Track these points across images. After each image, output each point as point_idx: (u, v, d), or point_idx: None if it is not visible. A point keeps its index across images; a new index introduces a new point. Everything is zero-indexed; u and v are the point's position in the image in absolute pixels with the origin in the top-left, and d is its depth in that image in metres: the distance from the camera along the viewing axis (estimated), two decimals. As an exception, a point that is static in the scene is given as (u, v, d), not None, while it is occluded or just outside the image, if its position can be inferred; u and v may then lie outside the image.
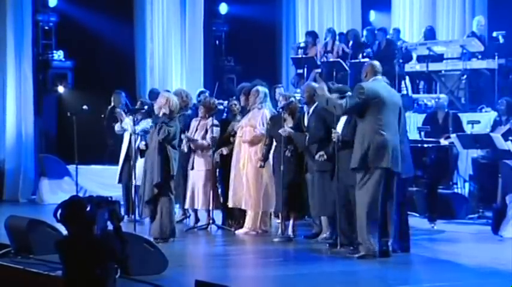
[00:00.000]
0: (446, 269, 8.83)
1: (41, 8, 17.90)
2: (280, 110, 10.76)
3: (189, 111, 12.14)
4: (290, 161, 10.50)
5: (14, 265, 8.81)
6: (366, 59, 15.13)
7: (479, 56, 15.24)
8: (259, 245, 10.47)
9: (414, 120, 14.16)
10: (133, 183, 11.51)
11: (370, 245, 9.05)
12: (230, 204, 11.30)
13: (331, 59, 16.50)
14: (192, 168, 11.53)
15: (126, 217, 11.64)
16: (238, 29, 19.74)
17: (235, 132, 11.40)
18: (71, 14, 18.14)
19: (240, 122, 11.32)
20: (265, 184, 11.05)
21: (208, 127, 11.49)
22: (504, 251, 9.63)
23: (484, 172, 12.54)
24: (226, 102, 12.88)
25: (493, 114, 13.66)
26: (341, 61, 16.14)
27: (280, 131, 10.45)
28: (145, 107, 12.16)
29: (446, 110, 13.49)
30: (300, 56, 17.05)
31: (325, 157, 9.77)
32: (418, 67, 15.95)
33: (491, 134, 12.37)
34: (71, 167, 13.97)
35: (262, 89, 11.29)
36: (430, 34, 16.37)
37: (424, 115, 14.10)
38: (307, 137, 10.17)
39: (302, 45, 17.37)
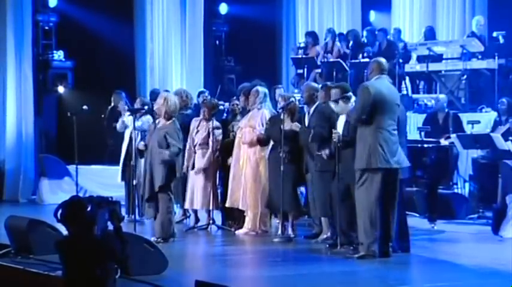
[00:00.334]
0: (446, 269, 8.83)
1: (41, 8, 17.91)
2: (280, 110, 10.77)
3: (189, 111, 12.14)
4: (286, 162, 10.49)
5: (14, 265, 8.81)
6: (366, 59, 15.13)
7: (479, 56, 15.24)
8: (259, 246, 10.47)
9: (414, 121, 14.16)
10: (134, 182, 11.50)
11: (371, 245, 9.05)
12: (228, 204, 11.30)
13: (331, 59, 16.49)
14: (192, 168, 11.53)
15: (126, 216, 11.63)
16: (238, 29, 19.74)
17: (234, 133, 11.40)
18: (71, 14, 18.15)
19: (240, 123, 11.32)
20: (264, 185, 11.04)
21: (210, 129, 11.47)
22: (504, 251, 9.63)
23: (484, 172, 12.54)
24: (227, 104, 12.87)
25: (493, 115, 13.66)
26: (341, 61, 16.14)
27: (292, 126, 10.39)
28: (146, 107, 12.16)
29: (446, 110, 13.49)
30: (300, 56, 17.05)
31: (327, 153, 9.73)
32: (418, 67, 15.95)
33: (491, 134, 12.37)
34: (71, 167, 13.96)
35: (262, 90, 11.29)
36: (430, 34, 16.37)
37: (424, 115, 14.10)
38: (311, 135, 10.15)
39: (302, 45, 17.37)
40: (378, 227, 9.07)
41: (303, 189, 11.12)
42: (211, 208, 11.47)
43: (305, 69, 16.61)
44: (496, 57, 14.67)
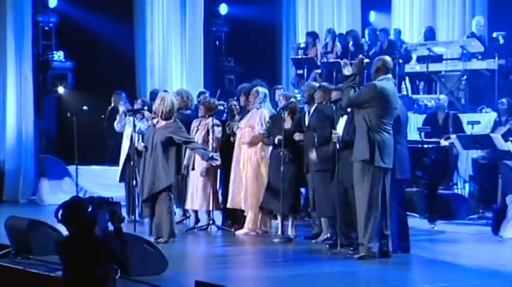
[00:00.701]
0: (446, 269, 8.83)
1: (41, 8, 17.92)
2: (281, 110, 10.77)
3: (189, 112, 12.14)
4: (287, 162, 10.49)
5: (14, 266, 8.81)
6: (366, 60, 15.10)
7: (479, 57, 15.24)
8: (259, 246, 10.47)
9: (414, 121, 14.14)
10: (134, 183, 11.50)
11: (371, 245, 9.05)
12: (229, 205, 11.30)
13: (331, 60, 16.49)
14: (193, 168, 11.53)
15: (126, 217, 11.63)
16: (238, 30, 19.75)
17: (234, 133, 11.40)
18: (71, 14, 18.16)
19: (239, 123, 11.32)
20: (265, 185, 11.04)
21: (209, 127, 11.49)
22: (504, 251, 9.63)
23: (484, 172, 12.54)
24: (226, 103, 12.87)
25: (493, 115, 13.66)
26: (341, 61, 16.11)
27: (294, 137, 10.40)
28: (146, 107, 12.16)
29: (446, 110, 13.49)
30: (300, 56, 17.05)
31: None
32: (418, 68, 15.95)
33: (491, 134, 12.37)
34: (71, 168, 13.96)
35: (262, 90, 11.30)
36: (430, 35, 16.37)
37: (424, 116, 14.11)
38: (316, 138, 10.14)
39: (302, 45, 17.38)
40: (378, 227, 9.07)
41: (302, 189, 11.12)
42: (211, 208, 11.47)
43: (305, 70, 16.61)
44: (496, 58, 14.67)
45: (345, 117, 9.62)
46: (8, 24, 15.19)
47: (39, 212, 12.83)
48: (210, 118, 11.53)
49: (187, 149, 11.30)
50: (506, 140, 12.09)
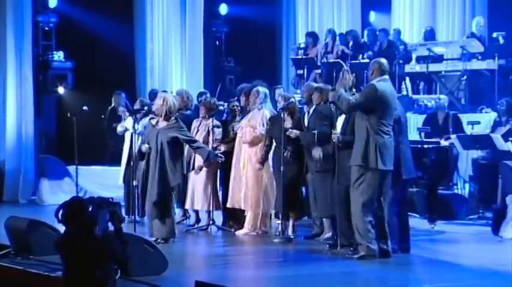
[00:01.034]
0: (446, 270, 8.84)
1: (41, 8, 17.91)
2: (280, 110, 10.77)
3: (189, 112, 12.14)
4: (290, 162, 10.50)
5: (14, 266, 8.81)
6: (366, 60, 15.13)
7: (479, 57, 15.24)
8: (259, 246, 10.47)
9: (414, 121, 14.16)
10: (134, 183, 11.49)
11: (370, 245, 9.05)
12: (229, 205, 11.31)
13: (331, 60, 16.49)
14: (193, 168, 11.53)
15: (126, 217, 11.62)
16: (238, 30, 19.75)
17: (235, 133, 11.40)
18: (71, 14, 18.15)
19: (240, 123, 11.33)
20: (265, 185, 11.05)
21: (210, 128, 11.49)
22: (504, 252, 9.64)
23: (484, 172, 12.54)
24: (226, 104, 12.87)
25: (493, 115, 13.66)
26: (341, 62, 16.13)
27: (287, 133, 10.43)
28: (145, 107, 12.15)
29: (446, 110, 13.49)
30: (300, 56, 17.04)
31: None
32: (418, 68, 15.94)
33: (491, 134, 12.37)
34: (71, 168, 13.96)
35: (263, 90, 11.30)
36: (430, 35, 16.37)
37: (424, 116, 14.10)
38: (316, 135, 10.13)
39: (302, 46, 17.36)
40: (376, 227, 9.08)
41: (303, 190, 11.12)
42: (211, 208, 11.47)
43: (305, 70, 16.60)
44: (496, 58, 14.67)
45: (343, 116, 9.61)
46: (8, 24, 15.19)
47: (39, 212, 12.83)
48: (211, 119, 11.53)
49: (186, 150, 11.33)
50: (506, 140, 12.10)
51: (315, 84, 11.13)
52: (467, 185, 13.13)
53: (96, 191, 13.83)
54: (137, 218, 11.58)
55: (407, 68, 16.03)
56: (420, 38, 16.57)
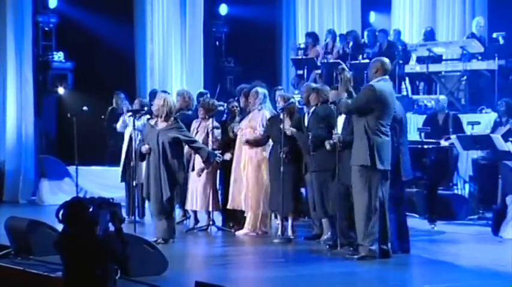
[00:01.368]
0: (446, 270, 8.84)
1: (41, 9, 17.92)
2: (280, 111, 10.77)
3: (189, 112, 12.14)
4: (285, 162, 10.49)
5: (14, 266, 8.82)
6: (367, 60, 15.13)
7: (479, 57, 15.24)
8: (259, 246, 10.47)
9: (414, 122, 14.16)
10: (134, 183, 11.48)
11: (370, 246, 9.05)
12: (229, 206, 11.31)
13: (331, 60, 16.48)
14: (193, 169, 11.53)
15: (126, 217, 11.61)
16: (238, 30, 19.75)
17: (235, 134, 11.40)
18: (71, 15, 18.16)
19: (240, 124, 11.33)
20: (265, 185, 11.05)
21: (209, 130, 11.49)
22: (504, 252, 9.64)
23: (484, 172, 12.55)
24: (226, 104, 12.86)
25: (493, 115, 13.66)
26: (341, 62, 16.12)
27: (285, 129, 10.44)
28: (145, 108, 12.15)
29: (446, 111, 13.50)
30: (300, 57, 17.05)
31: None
32: (418, 68, 15.94)
33: (491, 135, 12.37)
34: (71, 168, 13.95)
35: (262, 90, 11.30)
36: (430, 35, 16.37)
37: (424, 116, 14.11)
38: (310, 137, 10.13)
39: (302, 46, 17.37)
40: (377, 228, 9.07)
41: (303, 190, 11.12)
42: (211, 209, 11.47)
43: (305, 70, 16.61)
44: (496, 58, 14.67)
45: (343, 116, 9.62)
46: (8, 24, 15.19)
47: (39, 212, 12.82)
48: (210, 120, 11.52)
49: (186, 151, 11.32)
50: (506, 141, 12.10)
51: (314, 85, 11.14)
52: (467, 186, 13.13)
53: (96, 192, 13.83)
54: (137, 218, 11.58)
55: (407, 69, 16.03)
56: (420, 38, 16.57)
